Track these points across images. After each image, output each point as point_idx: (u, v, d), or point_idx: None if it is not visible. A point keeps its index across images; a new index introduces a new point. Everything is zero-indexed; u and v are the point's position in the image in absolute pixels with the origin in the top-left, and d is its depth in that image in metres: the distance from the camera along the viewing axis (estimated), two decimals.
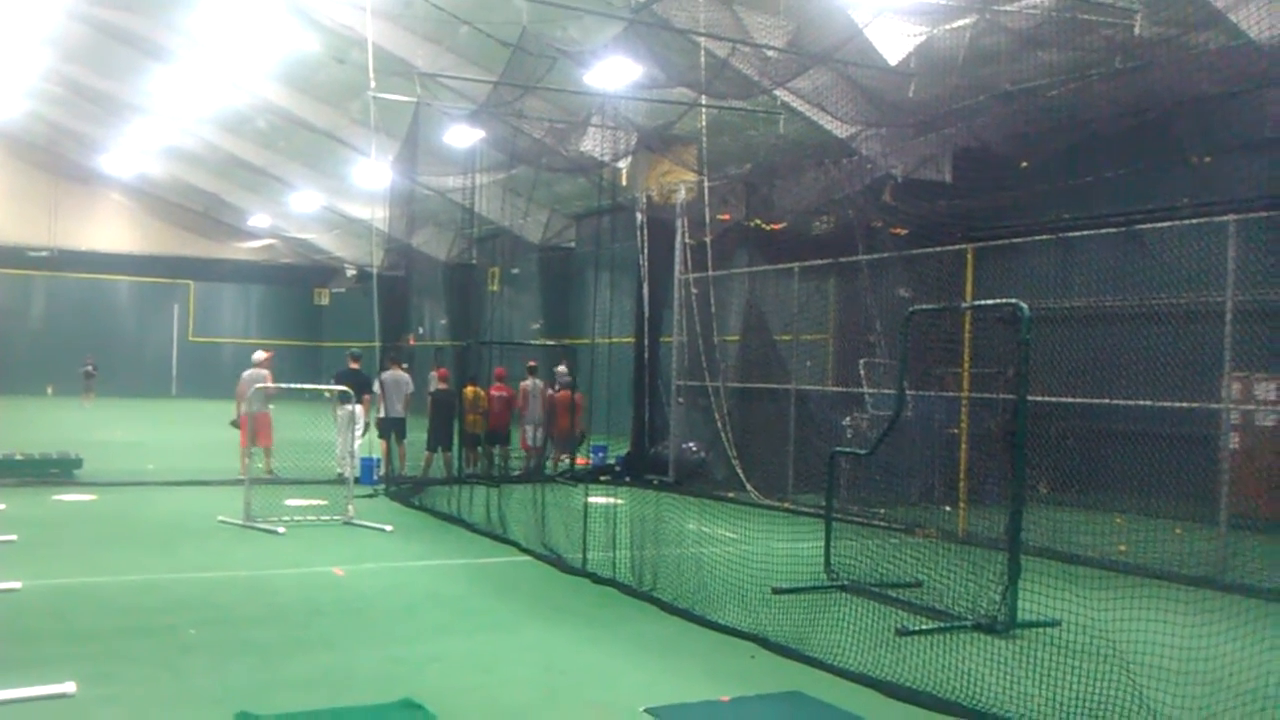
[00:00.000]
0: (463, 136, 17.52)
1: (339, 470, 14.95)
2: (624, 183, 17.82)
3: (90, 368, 35.27)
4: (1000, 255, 12.70)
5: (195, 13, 21.36)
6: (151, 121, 29.66)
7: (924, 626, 7.78)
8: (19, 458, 15.14)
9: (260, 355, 16.26)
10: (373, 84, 15.03)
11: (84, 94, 29.35)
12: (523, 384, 17.52)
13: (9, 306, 38.28)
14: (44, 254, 38.89)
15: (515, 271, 29.06)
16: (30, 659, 6.61)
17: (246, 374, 15.60)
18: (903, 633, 7.55)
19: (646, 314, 18.06)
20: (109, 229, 40.19)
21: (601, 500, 12.28)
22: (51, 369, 36.79)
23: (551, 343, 24.10)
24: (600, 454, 17.80)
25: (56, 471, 15.07)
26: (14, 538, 10.46)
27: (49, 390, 36.25)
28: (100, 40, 24.06)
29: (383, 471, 16.06)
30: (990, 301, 10.81)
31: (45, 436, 19.07)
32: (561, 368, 18.96)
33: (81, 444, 17.13)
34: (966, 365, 12.08)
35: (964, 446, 12.06)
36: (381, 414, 16.08)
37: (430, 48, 19.82)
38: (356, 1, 18.20)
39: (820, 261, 15.29)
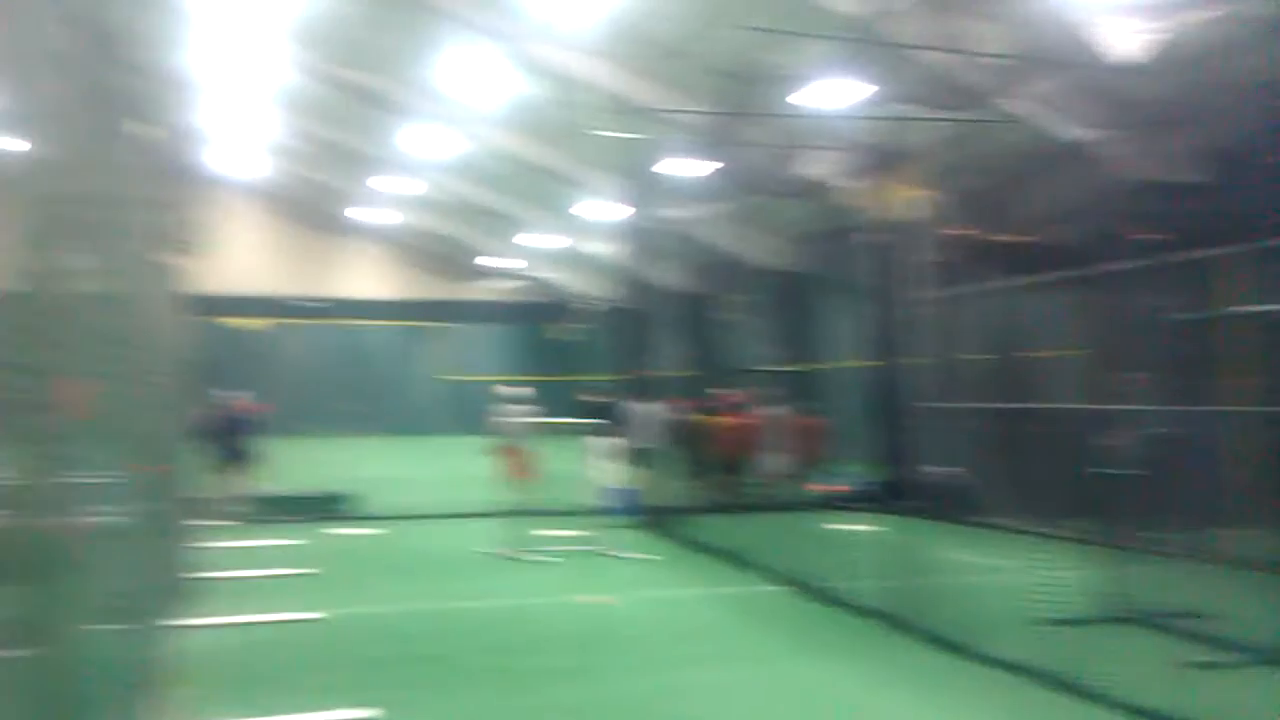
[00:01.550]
0: (688, 168, 17.85)
1: (596, 501, 15.41)
2: (854, 203, 17.68)
3: (355, 408, 38.08)
4: (1267, 258, 11.79)
5: (429, 69, 22.72)
6: (400, 173, 31.69)
7: (1213, 660, 7.30)
8: (298, 495, 16.42)
9: (509, 390, 17.04)
10: (597, 124, 15.48)
11: (335, 151, 31.71)
12: (762, 410, 17.56)
13: (285, 354, 41.64)
14: (313, 304, 42.18)
15: (748, 298, 29.22)
16: (335, 685, 7.18)
17: (502, 408, 16.36)
18: (1189, 666, 7.12)
19: (886, 335, 17.77)
20: (370, 277, 43.19)
21: (859, 527, 12.16)
22: (321, 410, 39.68)
23: (789, 368, 24.07)
24: (850, 480, 17.49)
25: (333, 507, 16.20)
26: (315, 570, 11.36)
27: (320, 431, 39.10)
28: (346, 99, 25.96)
29: (638, 502, 16.42)
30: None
31: (320, 474, 20.56)
32: (788, 393, 18.88)
33: (354, 480, 18.33)
34: (1241, 377, 11.27)
35: (1244, 463, 11.22)
36: (633, 444, 16.46)
37: (647, 82, 20.30)
38: (575, 45, 18.93)
39: (1072, 272, 14.63)
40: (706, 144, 15.40)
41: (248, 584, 10.62)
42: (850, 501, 16.12)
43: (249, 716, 6.31)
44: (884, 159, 15.99)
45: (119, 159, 5.30)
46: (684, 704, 6.70)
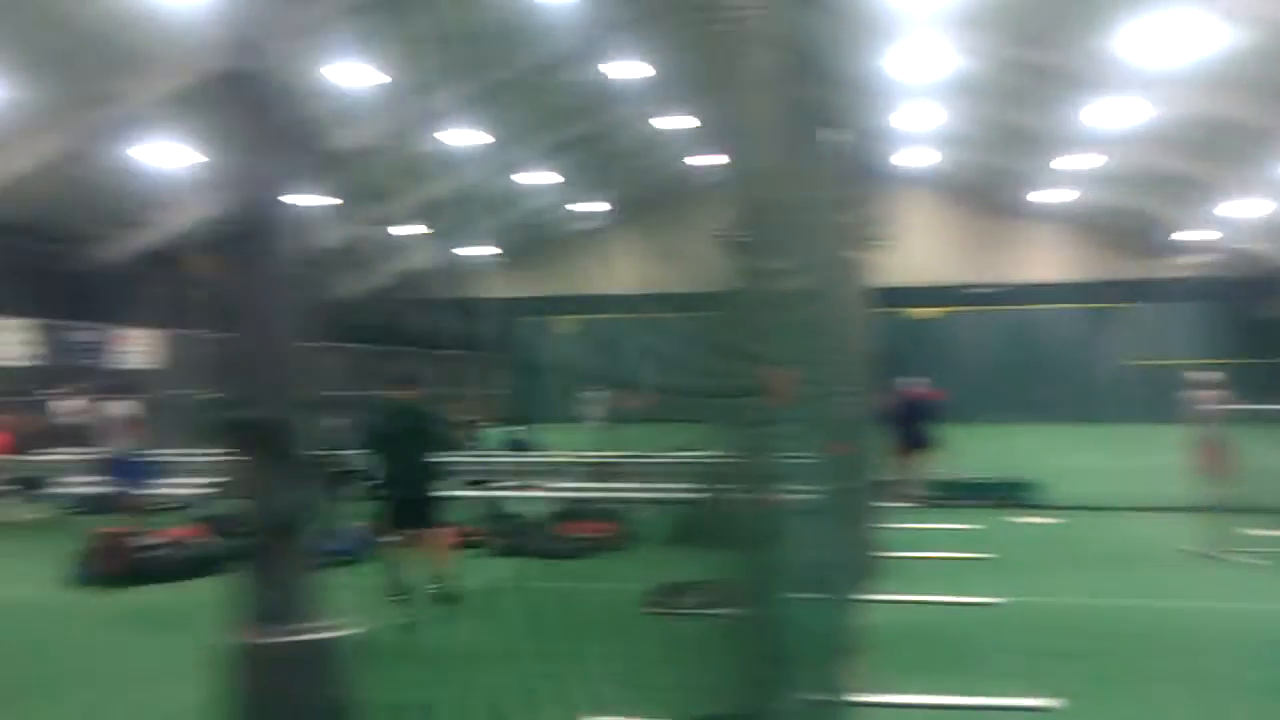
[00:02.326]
0: None
1: None
2: None
3: (1034, 395, 37.52)
4: None
5: (1118, 37, 21.33)
6: (1079, 149, 30.29)
7: None
8: (975, 480, 16.48)
9: (1208, 376, 15.48)
10: None
11: (1016, 133, 31.13)
12: None
13: (960, 341, 42.04)
14: (988, 290, 42.00)
15: None
16: (1011, 671, 7.15)
17: (1197, 394, 14.95)
18: None
19: None
20: (1046, 259, 41.88)
21: None
22: (995, 396, 39.39)
23: None
24: None
25: (1012, 494, 16.03)
26: (991, 556, 11.41)
27: (998, 417, 38.87)
28: (1028, 80, 25.34)
29: None
30: None
31: (997, 461, 20.44)
32: None
33: (1033, 468, 17.94)
34: None
35: None
36: None
37: None
38: None
39: None
40: None
41: (925, 565, 10.93)
42: None
43: (928, 694, 6.51)
44: None
45: (814, 166, 5.77)
46: None
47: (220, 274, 1.96)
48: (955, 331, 42.12)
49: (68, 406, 18.81)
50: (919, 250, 39.52)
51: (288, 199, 1.98)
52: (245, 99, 1.94)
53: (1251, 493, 13.72)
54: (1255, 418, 15.60)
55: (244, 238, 1.97)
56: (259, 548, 1.97)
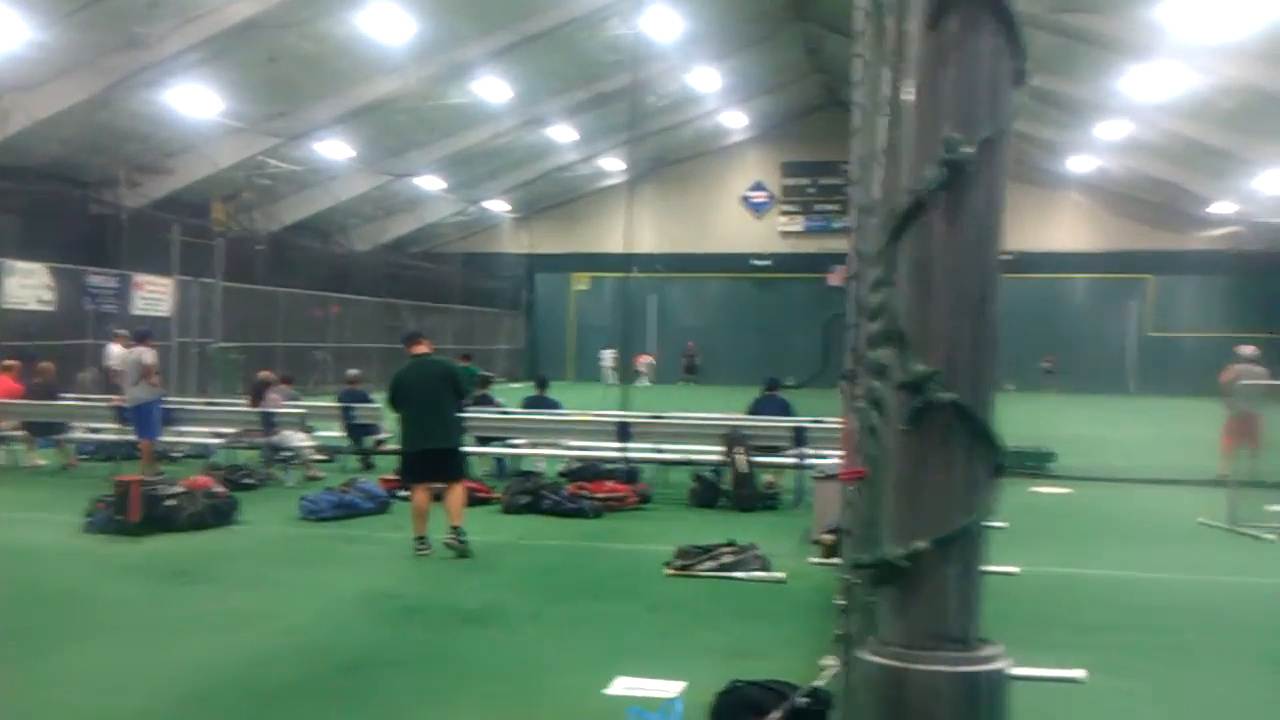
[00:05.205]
0: None
1: None
2: None
3: (1049, 365, 37.30)
4: None
5: (1161, 4, 20.97)
6: (1112, 118, 29.86)
7: None
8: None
9: (1247, 349, 15.37)
10: None
11: (1046, 100, 30.66)
12: None
13: None
14: (1007, 257, 41.55)
15: None
16: (1034, 641, 7.07)
17: (1234, 366, 14.84)
18: None
19: None
20: (1066, 229, 41.41)
21: None
22: (1013, 366, 39.17)
23: None
24: None
25: (1031, 464, 15.91)
26: (1006, 524, 11.33)
27: (1010, 386, 38.68)
28: (1065, 45, 24.88)
29: None
30: None
31: (1014, 430, 20.23)
32: None
33: (1049, 438, 17.80)
34: None
35: None
36: None
37: None
38: None
39: None
40: None
41: None
42: None
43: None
44: None
45: None
46: None
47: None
48: None
49: (118, 352, 18.85)
50: None
51: None
52: None
53: (1272, 467, 13.62)
54: (1275, 392, 15.47)
55: (956, 176, 1.57)
56: (924, 554, 1.61)
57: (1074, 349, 39.52)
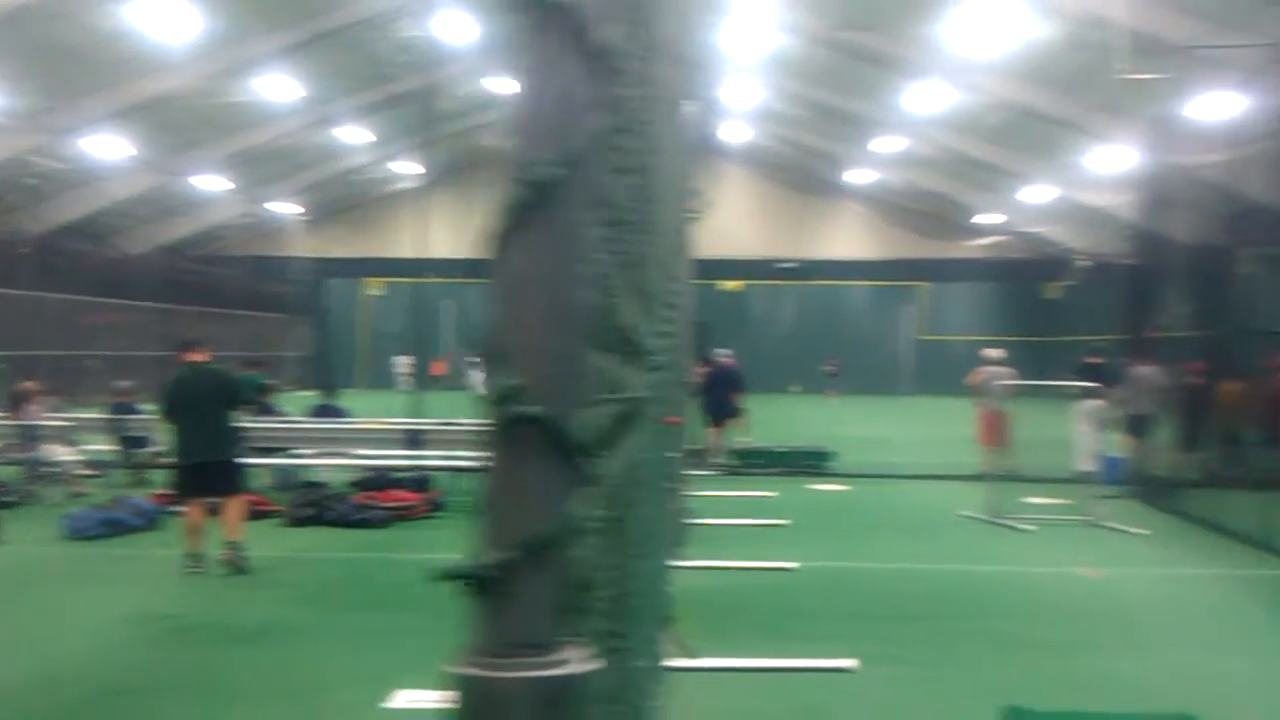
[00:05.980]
0: (1219, 108, 15.94)
1: (1082, 469, 14.45)
2: None
3: (832, 369, 39.06)
4: None
5: (936, 23, 22.18)
6: (889, 132, 31.41)
7: None
8: (779, 450, 17.00)
9: (994, 353, 16.44)
10: (1117, 65, 14.28)
11: (829, 114, 32.02)
12: None
13: (760, 314, 43.24)
14: (791, 265, 43.22)
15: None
16: (810, 634, 7.38)
17: (981, 369, 15.82)
18: None
19: None
20: (847, 238, 43.41)
21: None
22: (797, 369, 40.72)
23: None
24: None
25: (811, 463, 16.56)
26: (788, 522, 11.77)
27: (794, 389, 40.13)
28: (845, 62, 26.03)
29: (1124, 470, 15.16)
30: None
31: (797, 430, 21.13)
32: None
33: (830, 438, 18.61)
34: None
35: None
36: (1128, 410, 15.19)
37: (1175, 16, 18.32)
38: None
39: None
40: (1246, 80, 13.58)
41: (726, 532, 11.15)
42: None
43: (733, 656, 6.65)
44: None
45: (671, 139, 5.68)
46: (1186, 689, 6.10)
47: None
48: (755, 305, 43.27)
49: None
50: (728, 224, 40.23)
51: None
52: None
53: (1030, 462, 14.65)
54: (1036, 392, 16.63)
55: (541, 195, 1.62)
56: (511, 563, 1.63)
57: (854, 353, 41.35)
